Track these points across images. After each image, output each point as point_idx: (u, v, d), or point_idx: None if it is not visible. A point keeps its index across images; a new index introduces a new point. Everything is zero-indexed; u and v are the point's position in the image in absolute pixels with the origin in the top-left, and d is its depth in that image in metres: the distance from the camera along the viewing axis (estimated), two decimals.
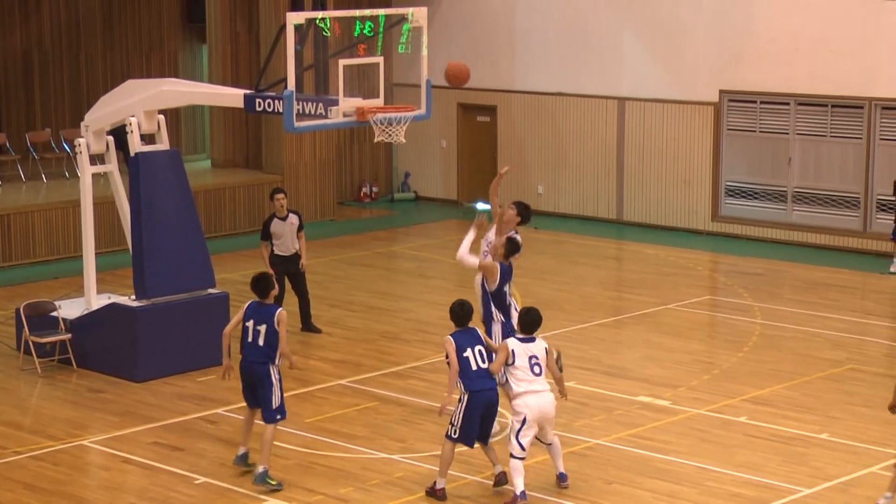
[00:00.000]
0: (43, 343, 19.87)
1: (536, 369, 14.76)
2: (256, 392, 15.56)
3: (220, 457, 16.53)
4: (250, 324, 15.64)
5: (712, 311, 24.13)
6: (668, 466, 16.18)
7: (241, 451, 15.83)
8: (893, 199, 26.70)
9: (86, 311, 20.22)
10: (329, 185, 31.81)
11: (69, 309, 20.36)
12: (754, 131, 29.29)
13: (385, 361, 20.50)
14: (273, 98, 18.82)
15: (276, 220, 21.32)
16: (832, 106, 28.27)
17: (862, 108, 27.94)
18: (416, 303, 23.64)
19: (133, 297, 19.89)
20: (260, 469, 15.20)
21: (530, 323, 15.08)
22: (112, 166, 20.76)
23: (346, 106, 18.83)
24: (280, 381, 15.57)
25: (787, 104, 28.75)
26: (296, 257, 21.43)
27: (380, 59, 19.36)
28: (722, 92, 29.48)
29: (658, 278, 26.09)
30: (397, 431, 17.36)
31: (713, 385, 19.40)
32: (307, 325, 21.74)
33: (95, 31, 32.28)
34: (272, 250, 21.29)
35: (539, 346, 14.91)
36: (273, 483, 15.20)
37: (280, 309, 15.73)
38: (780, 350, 21.31)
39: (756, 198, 29.52)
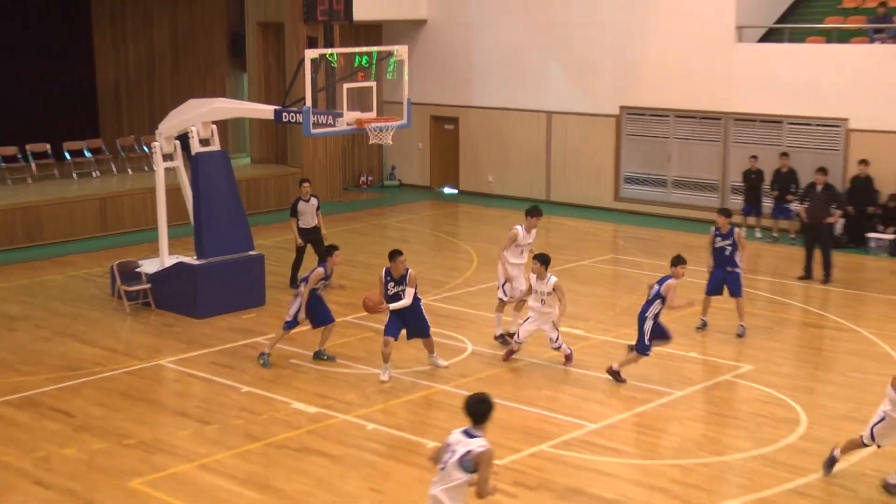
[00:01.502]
0: (130, 290, 20.11)
1: (542, 298, 16.61)
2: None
3: (259, 372, 16.79)
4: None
5: (614, 266, 24.32)
6: (583, 378, 16.49)
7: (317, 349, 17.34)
8: (742, 185, 27.02)
9: (161, 268, 20.42)
10: (336, 176, 31.89)
11: (149, 266, 20.57)
12: (645, 136, 29.47)
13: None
14: (295, 112, 19.03)
15: (301, 201, 21.40)
16: (699, 118, 28.49)
17: (720, 119, 28.13)
18: None
19: (194, 257, 20.09)
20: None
21: (548, 261, 16.63)
22: (178, 163, 20.96)
23: (349, 117, 19.09)
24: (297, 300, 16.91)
25: (668, 116, 28.94)
26: (316, 229, 21.52)
27: (373, 84, 19.56)
28: (622, 107, 29.66)
29: (575, 242, 26.27)
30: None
31: (615, 319, 19.68)
32: (294, 278, 21.64)
33: (166, 63, 32.44)
34: (298, 224, 21.43)
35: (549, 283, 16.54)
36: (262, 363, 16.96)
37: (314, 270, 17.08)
38: None
39: (646, 184, 29.72)
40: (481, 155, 32.44)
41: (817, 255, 22.69)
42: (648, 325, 16.15)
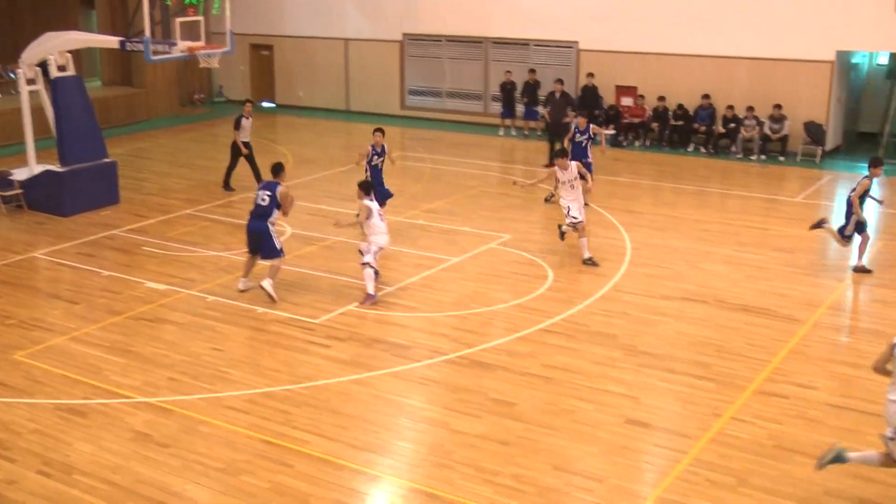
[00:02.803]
0: (5, 195, 19.14)
1: (380, 217, 14.07)
2: (259, 243, 14.07)
3: (117, 259, 16.16)
4: (261, 192, 14.07)
5: (403, 161, 24.26)
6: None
7: (242, 281, 14.43)
8: (500, 94, 27.28)
9: (30, 175, 19.38)
10: (174, 94, 30.81)
11: (20, 174, 19.53)
12: (424, 57, 29.29)
13: (214, 198, 20.18)
14: (137, 42, 18.25)
15: (243, 118, 20.18)
16: (466, 42, 28.44)
17: (482, 43, 28.15)
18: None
19: (59, 165, 19.13)
20: (266, 281, 13.92)
21: (369, 188, 14.12)
22: (40, 86, 19.78)
23: (182, 46, 18.43)
24: (275, 232, 14.10)
25: (441, 41, 28.79)
26: (249, 144, 20.37)
27: (201, 18, 18.98)
28: (404, 34, 29.32)
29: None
30: (223, 239, 17.21)
31: (404, 203, 19.45)
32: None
33: (26, 2, 30.36)
34: (239, 136, 20.18)
35: (376, 203, 14.15)
36: (273, 294, 13.92)
37: (280, 185, 14.03)
38: (441, 181, 21.63)
39: (426, 95, 29.61)
40: (293, 75, 31.71)
41: (558, 147, 23.06)
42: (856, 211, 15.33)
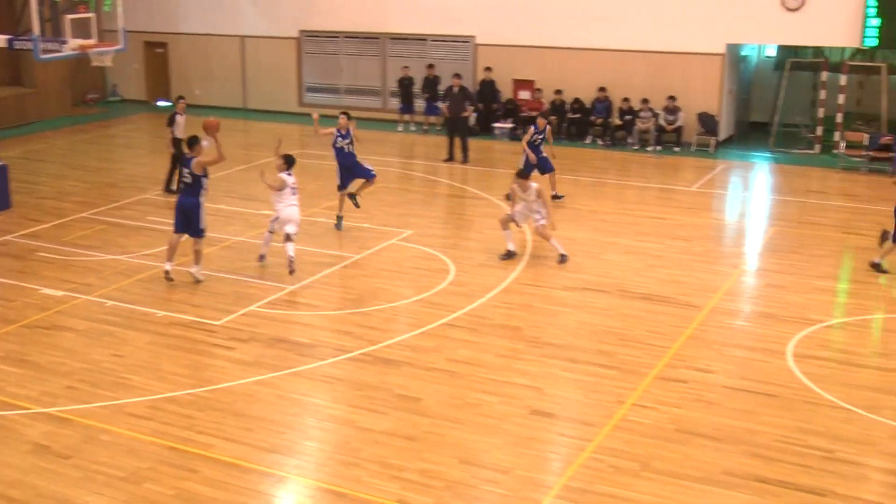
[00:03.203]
0: None
1: (292, 192, 15.05)
2: (191, 218, 14.33)
3: (10, 266, 15.65)
4: (183, 171, 14.47)
5: (302, 158, 24.03)
6: (281, 249, 16.22)
7: (168, 265, 14.56)
8: (398, 90, 27.29)
9: None
10: (66, 94, 30.01)
11: None
12: (321, 53, 29.09)
13: (110, 200, 19.68)
14: (26, 39, 17.88)
15: (177, 115, 19.57)
16: (363, 38, 28.34)
17: (379, 39, 28.09)
18: (126, 164, 22.81)
19: None
20: (194, 268, 14.61)
21: (292, 162, 15.26)
22: None
23: (73, 44, 18.12)
24: (204, 209, 14.49)
25: (338, 37, 28.64)
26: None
27: (93, 15, 18.69)
28: (301, 31, 29.08)
29: (270, 141, 25.69)
30: (120, 242, 16.83)
31: (303, 200, 19.18)
32: (169, 181, 19.82)
33: None
34: (173, 133, 19.51)
35: (293, 178, 15.14)
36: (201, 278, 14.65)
37: (194, 158, 14.32)
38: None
39: (323, 91, 29.43)
40: (189, 72, 31.17)
41: (457, 141, 23.29)
42: None
